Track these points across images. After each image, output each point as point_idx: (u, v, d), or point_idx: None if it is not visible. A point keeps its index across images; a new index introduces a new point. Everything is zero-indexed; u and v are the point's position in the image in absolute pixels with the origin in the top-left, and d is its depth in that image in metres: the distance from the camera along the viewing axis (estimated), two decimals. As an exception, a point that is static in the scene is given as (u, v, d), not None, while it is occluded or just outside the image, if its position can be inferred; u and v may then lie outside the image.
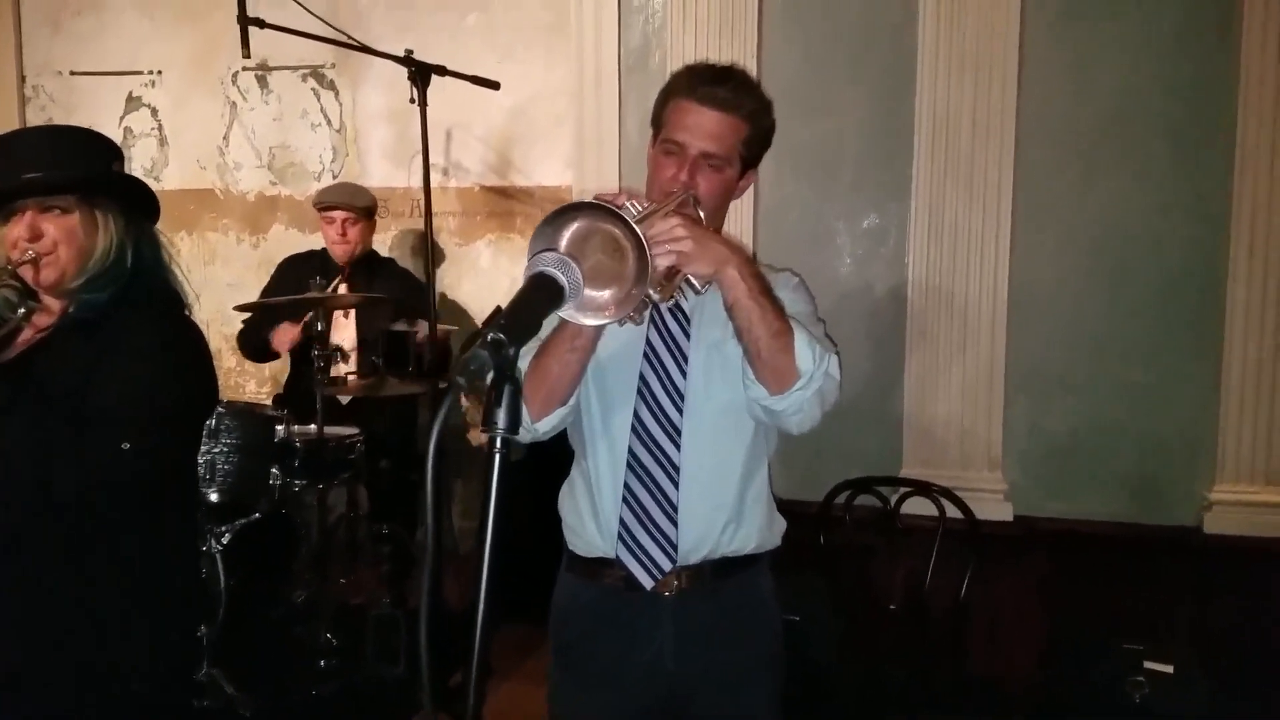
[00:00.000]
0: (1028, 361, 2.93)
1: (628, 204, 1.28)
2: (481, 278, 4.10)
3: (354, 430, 3.24)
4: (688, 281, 1.42)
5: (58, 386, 1.63)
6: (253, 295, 4.10)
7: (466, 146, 4.03)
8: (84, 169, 1.72)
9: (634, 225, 1.14)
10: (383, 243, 4.10)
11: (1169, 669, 2.53)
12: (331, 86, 4.19)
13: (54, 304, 1.75)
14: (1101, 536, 2.92)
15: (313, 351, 3.02)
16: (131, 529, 1.70)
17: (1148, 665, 2.54)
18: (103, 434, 1.61)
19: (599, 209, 1.15)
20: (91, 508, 1.65)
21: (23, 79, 4.41)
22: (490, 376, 0.88)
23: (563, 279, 1.02)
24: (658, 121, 1.64)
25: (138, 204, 1.77)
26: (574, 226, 1.14)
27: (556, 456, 1.75)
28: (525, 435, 1.57)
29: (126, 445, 1.62)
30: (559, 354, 1.48)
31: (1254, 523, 2.82)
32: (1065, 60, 2.82)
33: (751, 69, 2.92)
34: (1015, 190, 2.86)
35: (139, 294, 1.72)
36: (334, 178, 4.20)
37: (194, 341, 1.82)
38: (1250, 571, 2.77)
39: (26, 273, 1.69)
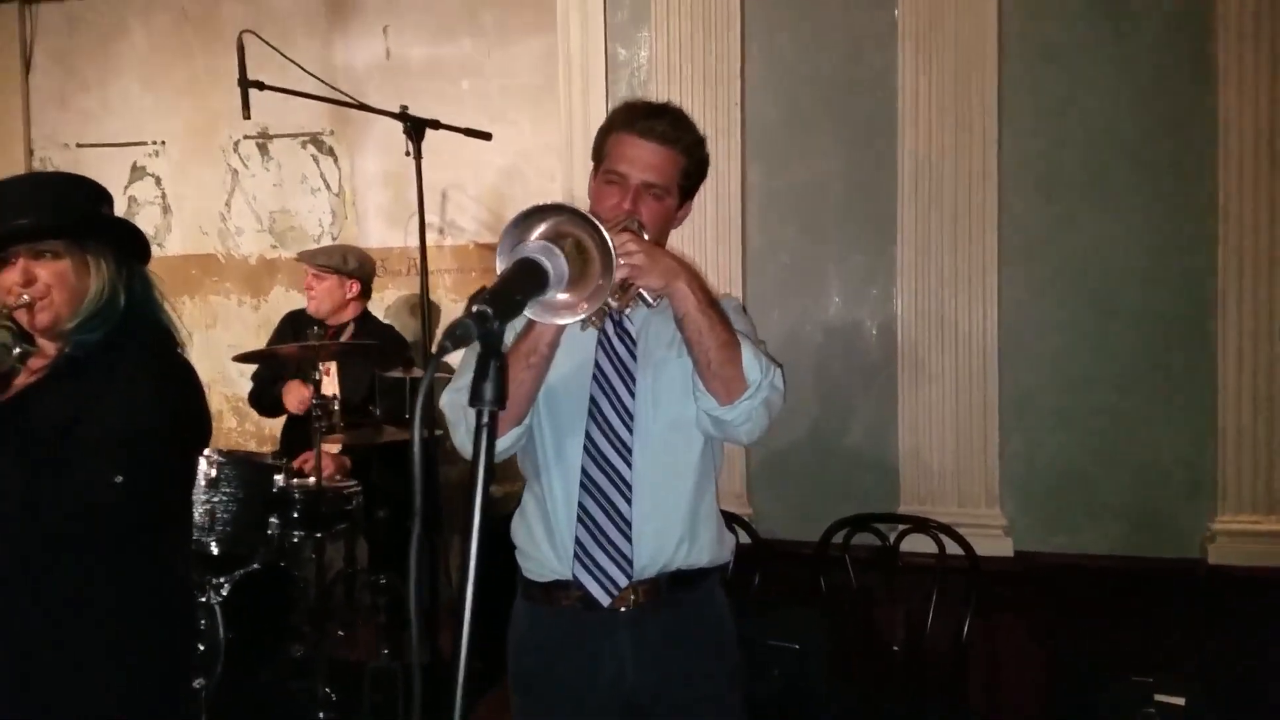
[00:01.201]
0: (1022, 396, 2.94)
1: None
2: (478, 334, 4.13)
3: (352, 482, 3.24)
4: (640, 295, 1.50)
5: (50, 424, 1.66)
6: (253, 356, 4.16)
7: (461, 206, 4.12)
8: (73, 214, 1.76)
9: (603, 229, 1.17)
10: (381, 304, 4.16)
11: (1180, 701, 2.49)
12: (330, 152, 4.30)
13: (49, 346, 1.78)
14: (1104, 570, 2.89)
15: (313, 405, 3.04)
16: (118, 563, 1.70)
17: (1158, 698, 2.50)
18: (93, 466, 1.63)
19: (568, 211, 1.18)
20: (79, 541, 1.66)
21: (30, 152, 4.54)
22: (476, 350, 0.90)
23: (547, 264, 1.05)
24: (599, 154, 1.73)
25: (127, 245, 1.82)
26: (541, 229, 1.16)
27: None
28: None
29: (119, 479, 1.63)
30: (514, 372, 1.51)
31: (1258, 552, 2.79)
32: (1043, 102, 2.89)
33: (735, 116, 3.01)
34: (1000, 228, 2.90)
35: (132, 332, 1.76)
36: (333, 239, 4.29)
37: (186, 377, 1.85)
38: (1257, 602, 2.74)
39: (21, 317, 1.73)
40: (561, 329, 1.46)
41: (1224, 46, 2.77)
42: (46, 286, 1.72)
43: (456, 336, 0.87)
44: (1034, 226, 2.93)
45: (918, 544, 2.80)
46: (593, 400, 1.68)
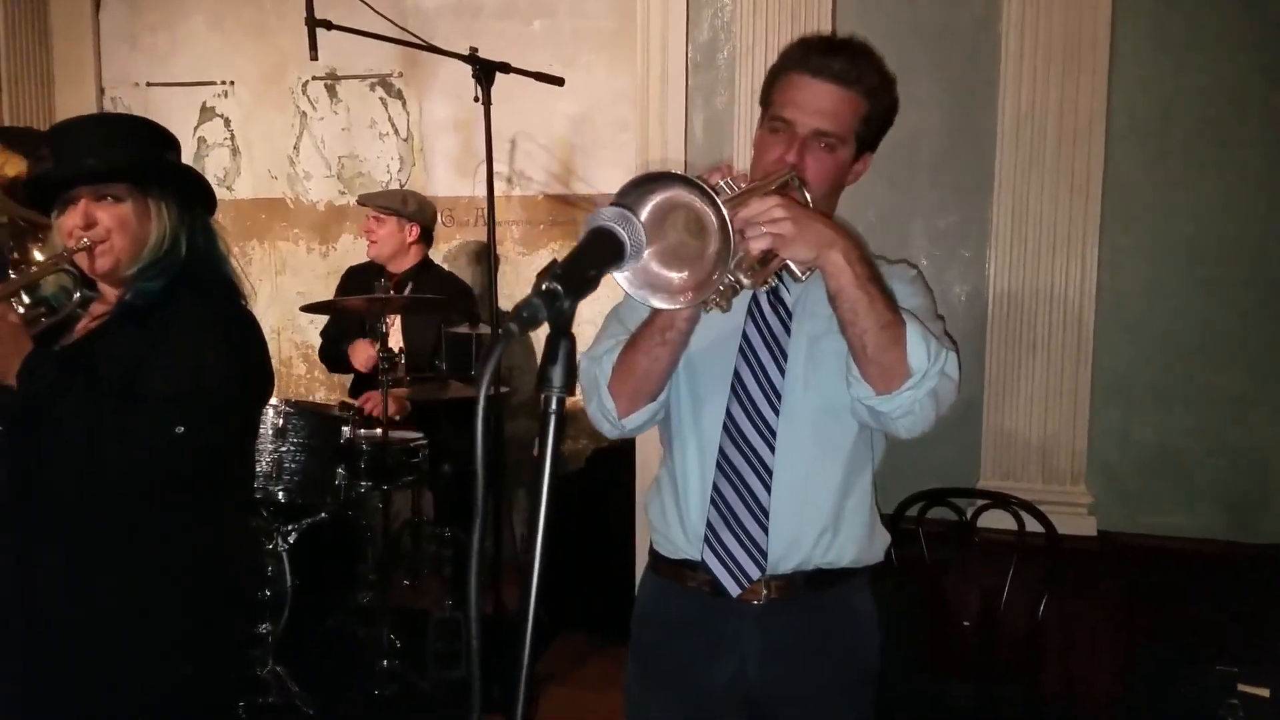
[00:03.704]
0: (1117, 370, 2.77)
1: (722, 183, 1.19)
2: (545, 287, 4.06)
3: (418, 434, 3.22)
4: (787, 268, 1.31)
5: (112, 371, 1.65)
6: (322, 306, 4.16)
7: (530, 155, 4.03)
8: (138, 157, 1.73)
9: (720, 203, 1.04)
10: (444, 250, 4.11)
11: (1265, 693, 2.36)
12: (399, 96, 4.23)
13: (110, 292, 1.77)
14: (1191, 554, 2.74)
15: (379, 358, 3.01)
16: (181, 513, 1.70)
17: (1242, 688, 2.37)
18: (155, 417, 1.62)
19: (685, 181, 1.05)
20: (142, 489, 1.66)
21: (101, 91, 4.54)
22: (546, 330, 0.81)
23: (623, 234, 0.94)
24: (766, 99, 1.52)
25: (192, 194, 1.78)
26: (657, 199, 1.05)
27: (614, 469, 1.69)
28: (612, 431, 1.50)
29: (180, 429, 1.61)
30: (648, 347, 1.39)
31: (1359, 543, 2.62)
32: (1160, 52, 2.67)
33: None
34: (1105, 190, 2.71)
35: (193, 282, 1.73)
36: (401, 186, 4.23)
37: (248, 330, 1.82)
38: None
39: (82, 260, 1.71)
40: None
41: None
42: (107, 230, 1.69)
43: (524, 319, 0.78)
44: (1141, 187, 2.73)
45: (996, 520, 2.68)
46: (736, 374, 1.52)
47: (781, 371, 1.51)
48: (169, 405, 1.62)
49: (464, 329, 3.21)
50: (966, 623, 2.76)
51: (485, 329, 3.17)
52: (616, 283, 1.56)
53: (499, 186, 3.24)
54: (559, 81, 2.86)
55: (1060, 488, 2.80)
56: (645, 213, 1.04)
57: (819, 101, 1.43)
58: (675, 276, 1.08)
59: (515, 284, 4.07)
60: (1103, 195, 2.72)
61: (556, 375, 0.82)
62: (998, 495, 2.70)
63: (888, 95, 1.51)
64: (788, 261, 1.30)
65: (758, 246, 1.24)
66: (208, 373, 1.67)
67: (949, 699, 2.57)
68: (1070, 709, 2.72)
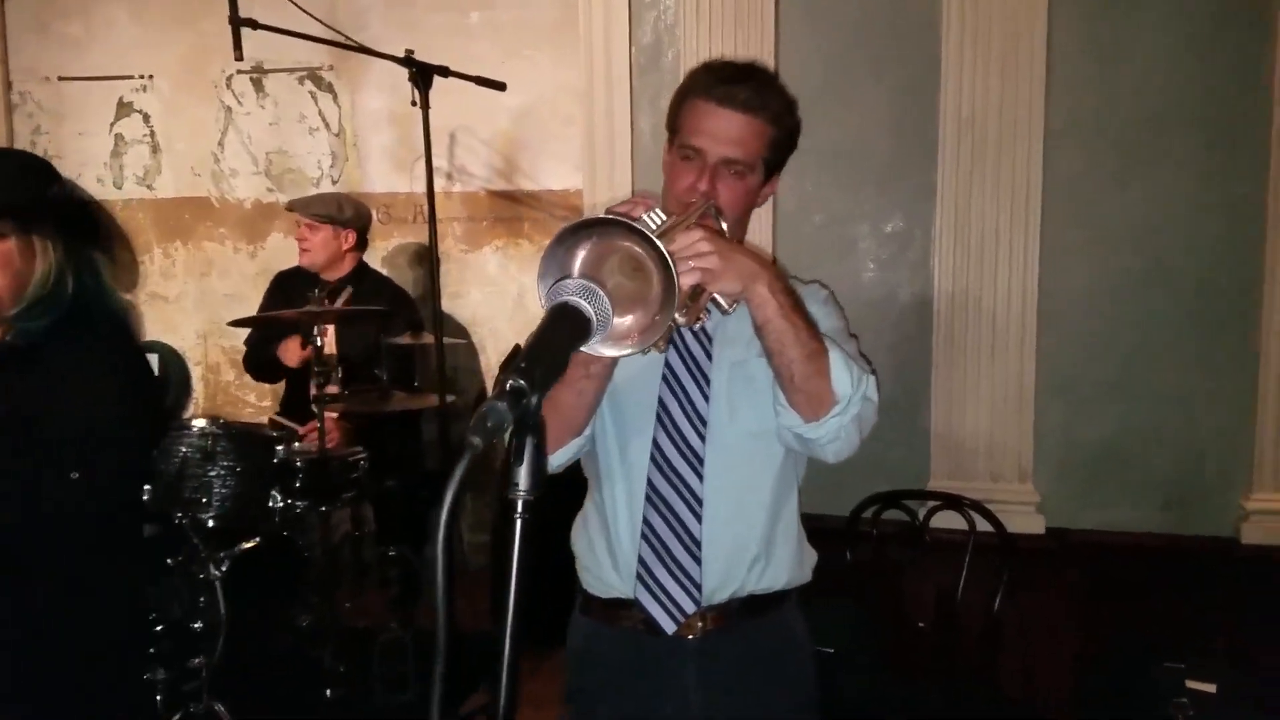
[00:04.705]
0: (1059, 368, 2.82)
1: (645, 216, 1.18)
2: (489, 285, 3.98)
3: (358, 448, 3.11)
4: (714, 301, 1.30)
5: None
6: (252, 307, 3.98)
7: (471, 150, 3.91)
8: (17, 194, 1.67)
9: (657, 241, 1.01)
10: (381, 251, 3.99)
11: (1212, 689, 2.42)
12: (330, 89, 4.07)
13: None
14: (1136, 548, 2.82)
15: (312, 368, 2.89)
16: (79, 557, 1.67)
17: (1190, 684, 2.43)
18: (50, 464, 1.58)
19: (617, 224, 1.02)
20: (39, 535, 1.62)
21: (9, 85, 4.28)
22: (510, 430, 0.76)
23: (589, 310, 0.89)
24: (674, 124, 1.52)
25: (78, 229, 1.73)
26: (588, 245, 1.02)
27: (569, 480, 1.64)
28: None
29: (75, 474, 1.59)
30: (573, 382, 1.35)
31: (1294, 534, 2.70)
32: (1095, 55, 2.71)
33: (768, 67, 2.80)
34: (1045, 191, 2.75)
35: (82, 321, 1.69)
36: (333, 183, 4.08)
37: (141, 369, 1.81)
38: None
39: None
40: None
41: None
42: None
43: (488, 429, 0.72)
44: (1079, 189, 2.77)
45: (948, 520, 2.70)
46: (661, 403, 1.50)
47: (706, 398, 1.49)
48: (63, 449, 1.59)
49: (405, 339, 3.10)
50: (922, 624, 2.79)
51: (428, 338, 3.07)
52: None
53: (438, 182, 3.12)
54: (501, 86, 2.77)
55: (1009, 486, 2.85)
56: (579, 260, 1.02)
57: (727, 130, 1.44)
58: (623, 322, 1.05)
59: (459, 283, 3.97)
60: (1042, 197, 2.75)
61: (523, 476, 0.76)
62: (950, 496, 2.72)
63: (791, 119, 1.52)
64: (715, 295, 1.29)
65: (687, 281, 1.22)
66: (102, 414, 1.65)
67: (911, 700, 2.59)
68: (1028, 707, 2.76)
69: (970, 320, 2.82)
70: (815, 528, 2.76)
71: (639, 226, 1.02)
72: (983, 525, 2.64)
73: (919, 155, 2.80)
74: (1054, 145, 2.74)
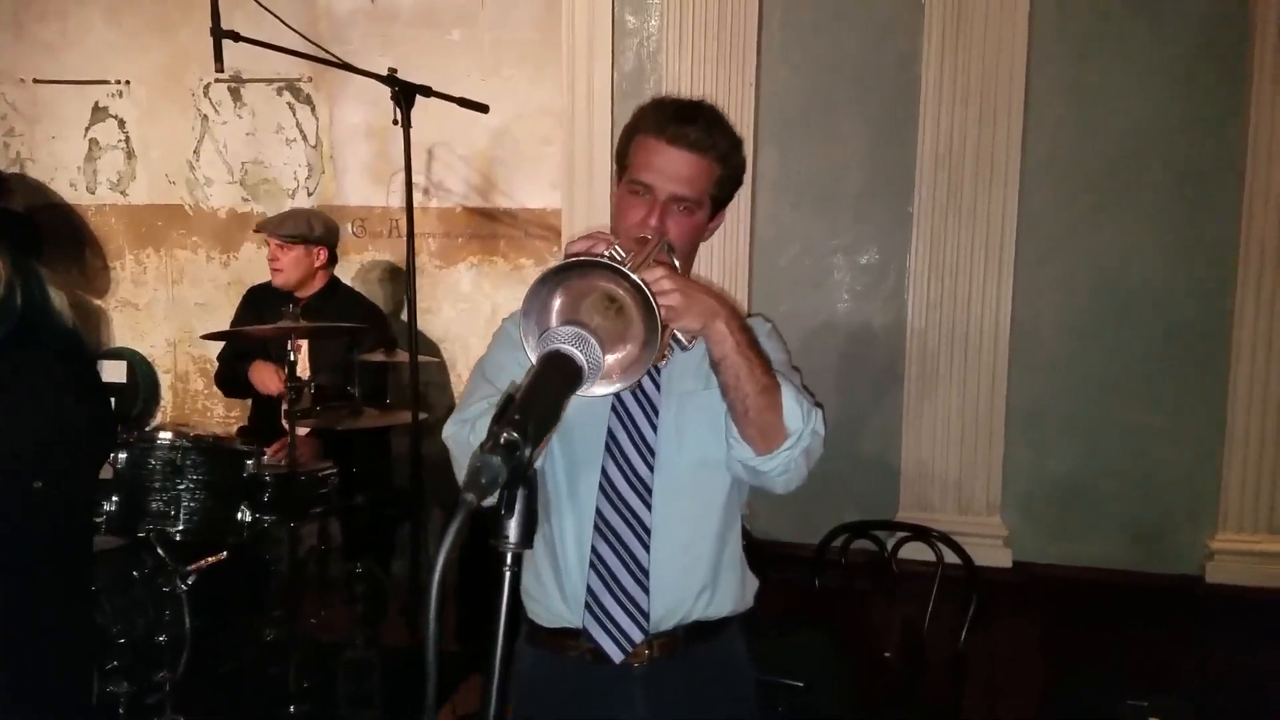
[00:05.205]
0: (1029, 403, 2.85)
1: (608, 254, 1.21)
2: (463, 302, 3.96)
3: (327, 463, 3.08)
4: (674, 338, 1.33)
5: None
6: (223, 316, 3.94)
7: (449, 166, 3.89)
8: None
9: (642, 283, 1.03)
10: (355, 265, 3.96)
11: (1174, 728, 2.45)
12: (308, 101, 4.04)
13: None
14: (1102, 584, 2.85)
15: (285, 386, 2.86)
16: (29, 571, 1.67)
17: (1152, 725, 2.46)
18: (10, 472, 1.60)
19: (600, 266, 1.04)
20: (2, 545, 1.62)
21: (-18, 86, 4.22)
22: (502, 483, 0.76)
23: (581, 358, 0.89)
24: (623, 159, 1.56)
25: (21, 241, 1.74)
26: (570, 285, 1.04)
27: None
28: (487, 501, 1.48)
29: (38, 484, 1.61)
30: None
31: (1257, 573, 2.76)
32: (1073, 96, 2.75)
33: (749, 97, 2.83)
34: (1019, 226, 2.78)
35: (31, 334, 1.70)
36: (309, 195, 4.05)
37: (93, 380, 1.84)
38: (1253, 623, 2.70)
39: None
40: None
41: (1259, 48, 2.65)
42: None
43: (483, 486, 0.71)
44: (1053, 226, 2.81)
45: (917, 551, 2.72)
46: (610, 434, 1.52)
47: (655, 428, 1.52)
48: (24, 460, 1.60)
49: (379, 356, 3.08)
50: (888, 654, 2.80)
51: (401, 355, 3.05)
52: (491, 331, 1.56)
53: (415, 197, 3.11)
54: (483, 109, 2.77)
55: (977, 519, 2.87)
56: (556, 308, 1.04)
57: (676, 168, 1.48)
58: (606, 360, 1.06)
59: (431, 298, 3.94)
60: (1017, 233, 2.79)
61: (513, 529, 0.76)
62: (918, 528, 2.74)
63: (738, 156, 1.56)
64: (675, 331, 1.32)
65: None
66: (61, 425, 1.67)
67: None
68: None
69: (943, 353, 2.84)
70: (783, 554, 2.80)
71: (625, 269, 1.04)
72: (950, 557, 2.66)
73: (896, 188, 2.83)
74: (1029, 181, 2.78)
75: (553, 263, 1.08)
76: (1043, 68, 2.74)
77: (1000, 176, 2.76)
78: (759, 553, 2.72)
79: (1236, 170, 2.69)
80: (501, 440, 0.74)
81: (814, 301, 2.90)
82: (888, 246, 2.86)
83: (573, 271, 1.04)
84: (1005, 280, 2.80)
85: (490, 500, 0.74)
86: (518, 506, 0.76)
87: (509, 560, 0.77)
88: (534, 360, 0.92)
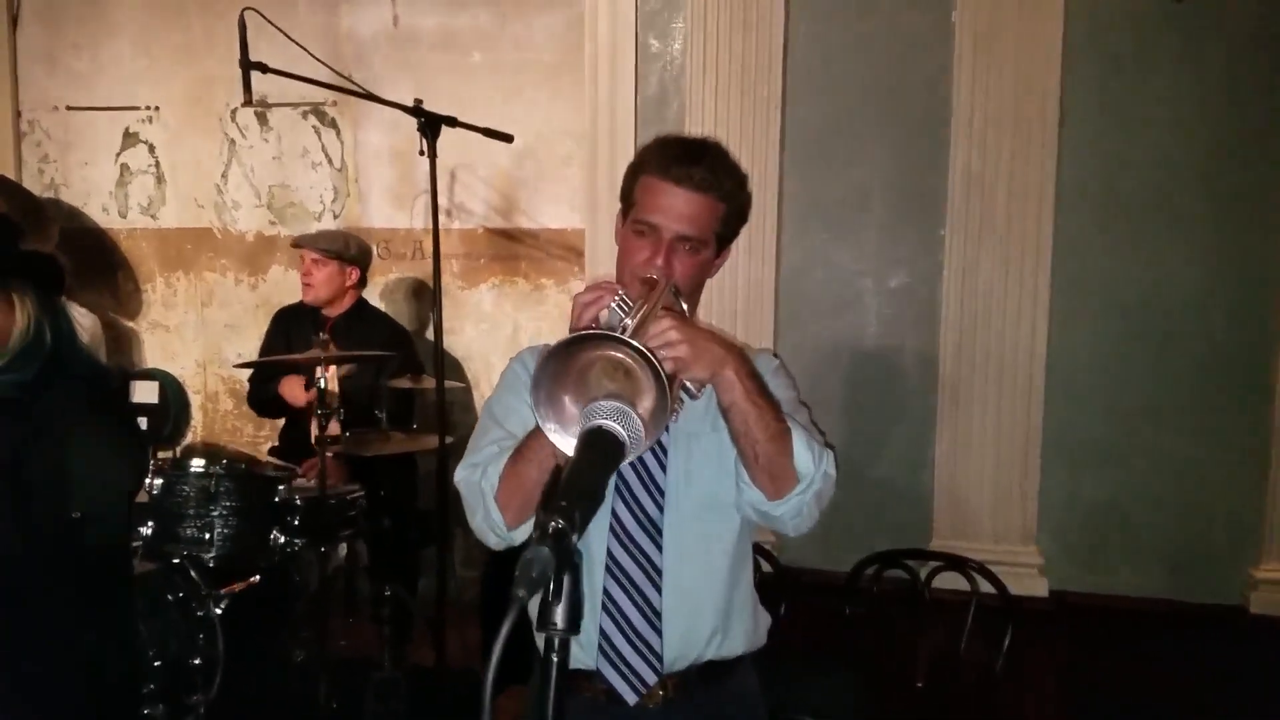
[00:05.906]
0: (1066, 430, 2.79)
1: (615, 303, 1.24)
2: (485, 322, 3.97)
3: (355, 487, 3.09)
4: (684, 387, 1.33)
5: None
6: (251, 338, 3.99)
7: (470, 188, 3.90)
8: None
9: (649, 352, 1.04)
10: (379, 285, 3.97)
11: (1214, 763, 2.40)
12: (333, 125, 4.06)
13: None
14: (1141, 614, 2.78)
15: (315, 410, 2.87)
16: (70, 603, 1.70)
17: (1192, 759, 2.41)
18: (50, 502, 1.62)
19: (606, 338, 1.06)
20: (42, 575, 1.65)
21: (18, 114, 4.28)
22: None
23: (623, 433, 0.87)
24: (627, 197, 1.56)
25: (48, 279, 1.78)
26: (571, 362, 1.05)
27: None
28: (499, 543, 1.50)
29: (77, 514, 1.64)
30: (539, 459, 1.36)
31: (1304, 603, 2.68)
32: (1108, 120, 2.70)
33: (775, 119, 2.81)
34: (1054, 253, 2.73)
35: (63, 369, 1.74)
36: (335, 218, 4.07)
37: (119, 418, 1.91)
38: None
39: None
40: None
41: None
42: None
43: (534, 580, 0.69)
44: (1089, 251, 2.76)
45: (950, 579, 2.67)
46: (620, 475, 1.52)
47: (663, 468, 1.53)
48: (62, 491, 1.63)
49: (405, 383, 3.09)
50: (920, 684, 2.76)
51: (427, 382, 3.05)
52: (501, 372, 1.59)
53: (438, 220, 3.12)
54: (508, 139, 2.76)
55: (1012, 548, 2.81)
56: (571, 379, 1.05)
57: (681, 208, 1.49)
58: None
59: (454, 318, 3.94)
60: (1051, 257, 2.74)
61: (559, 615, 0.74)
62: (952, 557, 2.69)
63: (743, 194, 1.56)
64: (684, 381, 1.33)
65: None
66: (95, 456, 1.70)
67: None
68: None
69: (976, 378, 2.80)
70: (813, 583, 2.76)
71: (629, 341, 1.06)
72: (984, 586, 2.62)
73: (926, 211, 2.79)
74: (1064, 207, 2.73)
75: (566, 312, 1.16)
76: (1077, 90, 2.69)
77: (1034, 200, 2.72)
78: (787, 581, 2.71)
79: (1277, 194, 2.63)
80: (549, 530, 0.72)
81: (842, 326, 2.86)
82: (918, 270, 2.82)
83: (577, 346, 1.05)
84: (1040, 305, 2.75)
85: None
86: (565, 592, 0.74)
87: (555, 646, 0.74)
88: (574, 438, 0.91)
